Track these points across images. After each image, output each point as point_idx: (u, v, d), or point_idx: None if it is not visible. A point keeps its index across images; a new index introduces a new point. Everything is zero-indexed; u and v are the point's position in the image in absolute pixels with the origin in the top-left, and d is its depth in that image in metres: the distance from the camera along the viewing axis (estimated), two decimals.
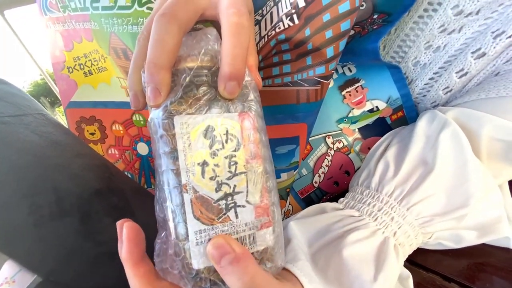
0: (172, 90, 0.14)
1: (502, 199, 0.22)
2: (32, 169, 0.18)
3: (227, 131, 0.14)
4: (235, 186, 0.14)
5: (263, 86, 0.23)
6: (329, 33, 0.19)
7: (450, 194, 0.20)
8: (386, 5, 0.22)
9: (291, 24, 0.19)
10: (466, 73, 0.25)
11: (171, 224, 0.14)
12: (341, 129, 0.29)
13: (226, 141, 0.14)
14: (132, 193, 0.24)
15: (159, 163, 0.14)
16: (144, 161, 0.29)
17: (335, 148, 0.29)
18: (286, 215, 0.30)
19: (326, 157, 0.29)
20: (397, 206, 0.21)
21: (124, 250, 0.14)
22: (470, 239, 0.21)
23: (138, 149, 0.28)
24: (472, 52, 0.24)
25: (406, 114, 0.28)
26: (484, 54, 0.24)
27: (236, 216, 0.14)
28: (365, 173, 0.24)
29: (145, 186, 0.30)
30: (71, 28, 0.24)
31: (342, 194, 0.25)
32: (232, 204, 0.14)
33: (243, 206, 0.14)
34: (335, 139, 0.29)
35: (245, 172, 0.14)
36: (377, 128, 0.28)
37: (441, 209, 0.21)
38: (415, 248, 0.22)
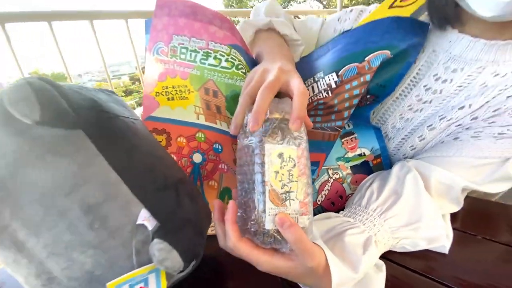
0: (264, 129, 0.25)
1: (444, 223, 0.35)
2: (154, 158, 0.27)
3: (290, 156, 0.25)
4: (291, 187, 0.24)
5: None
6: (347, 104, 0.33)
7: (410, 214, 0.34)
8: (375, 92, 0.37)
9: (326, 95, 0.33)
10: (424, 138, 0.41)
11: (256, 202, 0.24)
12: (339, 165, 0.42)
13: (289, 161, 0.25)
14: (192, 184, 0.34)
15: (252, 168, 0.25)
16: (195, 168, 0.38)
17: (333, 178, 0.42)
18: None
19: (327, 183, 0.41)
20: (378, 218, 0.33)
21: (230, 229, 0.24)
22: (422, 245, 0.34)
23: (194, 158, 0.38)
24: (427, 126, 0.40)
25: (382, 161, 0.42)
26: (434, 128, 0.40)
27: (290, 205, 0.24)
28: (357, 196, 0.37)
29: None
30: (170, 68, 0.35)
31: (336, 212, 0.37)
32: (288, 197, 0.24)
33: (293, 200, 0.24)
34: (334, 171, 0.41)
35: (296, 181, 0.25)
36: (363, 168, 0.42)
37: (404, 223, 0.33)
38: (387, 249, 0.33)
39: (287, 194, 0.24)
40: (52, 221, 0.21)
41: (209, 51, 0.35)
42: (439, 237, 0.34)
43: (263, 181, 0.24)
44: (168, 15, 0.35)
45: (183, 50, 0.35)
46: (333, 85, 0.34)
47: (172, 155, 0.37)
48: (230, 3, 11.19)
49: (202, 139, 0.37)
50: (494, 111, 0.37)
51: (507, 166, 0.35)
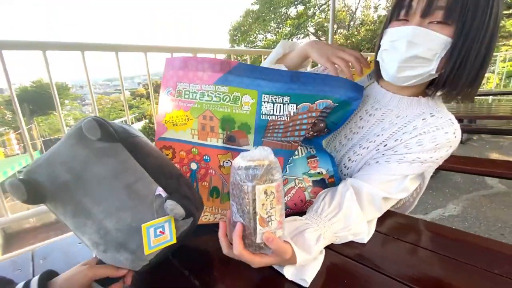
0: (255, 174, 0.35)
1: (366, 225, 0.51)
2: (161, 159, 0.44)
3: (271, 191, 0.35)
4: (272, 213, 0.36)
5: (268, 139, 0.53)
6: (297, 127, 0.50)
7: (346, 220, 0.49)
8: (330, 127, 0.56)
9: (286, 119, 0.51)
10: (354, 161, 0.61)
11: (249, 226, 0.36)
12: (304, 178, 0.58)
13: (270, 195, 0.35)
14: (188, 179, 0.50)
15: (246, 201, 0.35)
16: (193, 173, 0.54)
17: (298, 186, 0.58)
18: None
19: (293, 189, 0.58)
20: (327, 222, 0.48)
21: (237, 243, 0.37)
22: (350, 238, 0.50)
23: (191, 166, 0.54)
24: (359, 146, 0.61)
25: (335, 180, 0.59)
26: (359, 154, 0.60)
27: (271, 224, 0.36)
28: (315, 206, 0.54)
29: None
30: (176, 104, 0.52)
31: (298, 213, 0.54)
32: (270, 220, 0.36)
33: (273, 221, 0.36)
34: (299, 182, 0.58)
35: (275, 207, 0.36)
36: (320, 183, 0.59)
37: (342, 226, 0.49)
38: (329, 243, 0.48)
39: (269, 217, 0.36)
40: (108, 195, 0.37)
41: (203, 91, 0.52)
42: (361, 233, 0.50)
43: (254, 212, 0.36)
44: (172, 69, 0.53)
45: (186, 92, 0.52)
46: (292, 114, 0.51)
47: (176, 164, 0.54)
48: (235, 33, 11.68)
49: (196, 152, 0.54)
50: (395, 141, 0.56)
51: (407, 180, 0.54)
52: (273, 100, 0.51)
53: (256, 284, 0.42)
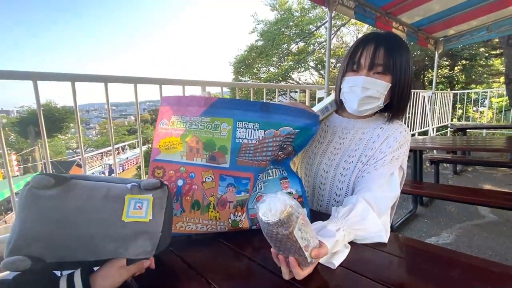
0: (288, 224, 0.42)
1: (383, 226, 0.63)
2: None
3: (301, 223, 0.44)
4: (308, 238, 0.46)
5: (241, 158, 0.63)
6: (264, 149, 0.62)
7: (360, 217, 0.62)
8: (295, 149, 0.68)
9: (256, 142, 0.62)
10: (345, 175, 0.76)
11: (300, 255, 0.46)
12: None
13: (302, 226, 0.44)
14: None
15: (290, 244, 0.44)
16: (178, 188, 0.64)
17: None
18: (241, 222, 0.64)
19: None
20: (343, 219, 0.60)
21: (298, 272, 0.47)
22: (368, 237, 0.62)
23: (178, 183, 0.64)
24: (344, 161, 0.79)
25: (303, 200, 0.69)
26: (347, 168, 0.77)
27: (310, 244, 0.46)
28: (333, 212, 0.65)
29: (174, 199, 0.64)
30: (169, 132, 0.64)
31: None
32: (309, 243, 0.46)
33: (310, 239, 0.47)
34: None
35: (308, 231, 0.46)
36: None
37: (357, 220, 0.61)
38: (352, 237, 0.60)
39: (308, 241, 0.46)
40: (96, 213, 0.45)
41: (192, 121, 0.64)
42: (378, 231, 0.61)
43: (299, 247, 0.44)
44: (168, 105, 0.66)
45: (178, 123, 0.65)
46: (260, 138, 0.63)
47: (166, 181, 0.64)
48: (240, 66, 12.36)
49: (184, 170, 0.64)
50: (371, 150, 0.74)
51: (394, 176, 0.71)
52: (246, 126, 0.63)
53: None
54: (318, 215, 0.74)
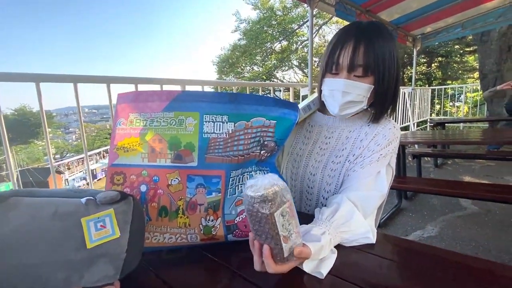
0: (270, 204, 0.39)
1: (370, 226, 0.58)
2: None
3: (286, 211, 0.41)
4: (291, 229, 0.41)
5: (210, 155, 0.56)
6: (235, 143, 0.55)
7: (346, 218, 0.57)
8: (278, 143, 0.61)
9: (225, 136, 0.56)
10: (333, 176, 0.71)
11: (276, 245, 0.41)
12: None
13: (286, 214, 0.41)
14: None
15: (268, 227, 0.40)
16: (142, 195, 0.56)
17: None
18: (215, 229, 0.57)
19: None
20: (328, 221, 0.55)
21: (270, 264, 0.42)
22: (355, 239, 0.56)
23: (141, 188, 0.56)
24: (331, 161, 0.72)
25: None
26: (335, 169, 0.71)
27: (292, 237, 0.42)
28: (317, 214, 0.61)
29: None
30: (127, 132, 0.56)
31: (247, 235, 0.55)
32: (290, 235, 0.42)
33: (293, 233, 0.42)
34: None
35: (291, 222, 0.42)
36: None
37: (342, 222, 0.56)
38: (338, 241, 0.55)
39: (289, 232, 0.41)
40: (40, 235, 0.38)
41: (153, 118, 0.56)
42: (365, 232, 0.57)
43: (277, 234, 0.40)
44: (124, 102, 0.57)
45: (137, 121, 0.57)
46: (230, 131, 0.56)
47: (127, 188, 0.56)
48: (223, 65, 12.24)
49: (146, 174, 0.56)
50: (359, 149, 0.69)
51: (381, 175, 0.66)
52: (213, 119, 0.56)
53: None
54: (305, 217, 0.68)
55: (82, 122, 1.41)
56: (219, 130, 0.56)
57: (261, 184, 0.40)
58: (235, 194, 0.60)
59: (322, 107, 0.78)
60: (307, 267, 0.47)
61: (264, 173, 0.63)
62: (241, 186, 0.61)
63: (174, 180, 0.56)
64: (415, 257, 0.54)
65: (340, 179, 0.70)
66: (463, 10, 3.13)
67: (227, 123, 0.56)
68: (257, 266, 0.45)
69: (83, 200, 0.41)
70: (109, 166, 0.57)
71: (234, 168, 0.59)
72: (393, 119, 0.75)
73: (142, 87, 1.53)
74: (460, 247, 1.77)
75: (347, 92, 0.65)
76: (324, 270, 0.47)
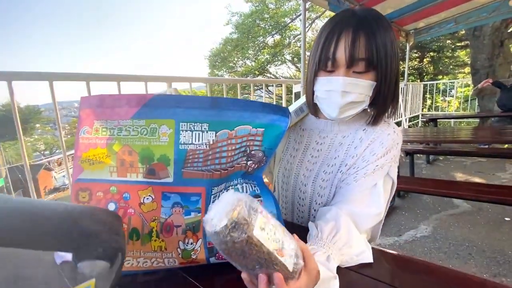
0: (243, 226, 0.31)
1: (365, 242, 0.54)
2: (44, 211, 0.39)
3: (264, 222, 0.33)
4: (278, 237, 0.34)
5: (188, 169, 0.50)
6: (217, 155, 0.48)
7: (346, 237, 0.51)
8: (267, 154, 0.53)
9: (206, 148, 0.49)
10: (325, 187, 0.64)
11: (275, 267, 0.33)
12: None
13: (266, 225, 0.33)
14: None
15: (255, 252, 0.32)
16: None
17: None
18: (195, 252, 0.50)
19: None
20: (329, 242, 0.50)
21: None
22: (355, 259, 0.51)
23: (109, 207, 0.49)
24: (323, 171, 0.65)
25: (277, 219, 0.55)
26: (327, 180, 0.64)
27: (285, 245, 0.34)
28: (313, 232, 0.54)
29: None
30: (93, 143, 0.49)
31: None
32: (282, 244, 0.34)
33: (284, 241, 0.35)
34: None
35: (277, 229, 0.35)
36: None
37: (344, 242, 0.51)
38: (339, 262, 0.49)
39: (280, 242, 0.34)
40: None
41: (121, 126, 0.49)
42: (364, 251, 0.52)
43: (268, 252, 0.32)
44: (89, 108, 0.49)
45: (103, 129, 0.49)
46: (211, 141, 0.49)
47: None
48: (215, 59, 12.02)
49: (115, 191, 0.49)
50: (352, 158, 0.61)
51: (378, 187, 0.59)
52: (192, 128, 0.49)
53: None
54: (298, 229, 0.63)
55: (58, 118, 1.31)
56: (198, 141, 0.49)
57: (220, 212, 0.32)
58: None
59: (313, 110, 0.68)
60: None
61: (252, 186, 0.57)
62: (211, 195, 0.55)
63: (147, 198, 0.49)
64: (418, 278, 0.49)
65: (332, 191, 0.63)
66: (456, 4, 3.09)
67: (207, 132, 0.49)
68: None
69: (59, 260, 0.30)
70: (74, 182, 0.49)
71: (216, 183, 0.52)
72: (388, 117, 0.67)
73: (125, 85, 1.44)
74: (454, 248, 1.76)
75: (348, 92, 0.56)
76: None
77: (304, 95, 0.72)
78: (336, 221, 0.53)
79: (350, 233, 0.52)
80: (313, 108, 0.67)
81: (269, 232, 0.33)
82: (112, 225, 0.38)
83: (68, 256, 0.31)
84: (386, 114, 0.62)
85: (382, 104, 0.59)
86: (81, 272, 0.30)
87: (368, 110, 0.63)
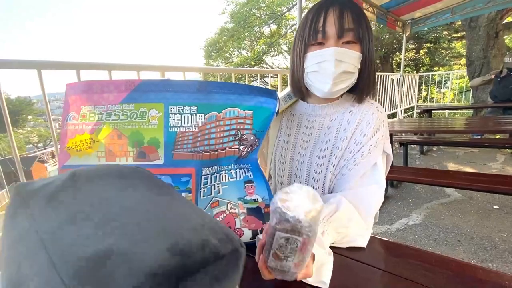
0: (277, 221, 0.34)
1: (364, 224, 0.57)
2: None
3: (295, 241, 0.34)
4: (289, 256, 0.35)
5: (178, 151, 0.50)
6: (206, 137, 0.48)
7: (345, 219, 0.53)
8: (258, 136, 0.53)
9: (194, 130, 0.49)
10: (320, 172, 0.66)
11: (267, 255, 0.37)
12: (238, 204, 0.54)
13: (293, 243, 0.34)
14: None
15: (270, 240, 0.35)
16: None
17: (230, 211, 0.54)
18: None
19: (223, 213, 0.53)
20: (326, 221, 0.51)
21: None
22: (352, 240, 0.53)
23: None
24: (316, 156, 0.68)
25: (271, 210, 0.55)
26: (321, 164, 0.65)
27: (286, 262, 0.36)
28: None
29: None
30: (79, 128, 0.48)
31: None
32: (286, 260, 0.36)
33: (290, 262, 0.36)
34: (232, 207, 0.54)
35: (294, 255, 0.35)
36: (256, 212, 0.55)
37: (341, 223, 0.53)
38: (333, 240, 0.51)
39: (286, 258, 0.36)
40: None
41: (110, 111, 0.48)
42: (363, 235, 0.54)
43: (270, 244, 0.36)
44: (75, 94, 0.49)
45: (91, 115, 0.48)
46: (200, 123, 0.50)
47: None
48: (211, 49, 11.83)
49: None
50: (343, 141, 0.63)
51: (377, 165, 0.61)
52: (181, 111, 0.50)
53: None
54: None
55: (48, 109, 1.29)
56: (187, 123, 0.50)
57: (302, 204, 0.33)
58: (210, 194, 0.54)
59: (300, 94, 0.70)
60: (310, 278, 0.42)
61: (245, 171, 0.57)
62: (218, 186, 0.55)
63: None
64: (410, 265, 0.49)
65: (328, 176, 0.64)
66: None
67: (196, 114, 0.50)
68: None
69: None
70: (60, 168, 0.49)
71: (206, 164, 0.52)
72: (381, 105, 0.69)
73: (116, 74, 1.41)
74: (444, 235, 1.80)
75: (341, 60, 0.57)
76: (327, 279, 0.42)
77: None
78: (338, 204, 0.55)
79: (349, 216, 0.54)
80: (299, 92, 0.68)
81: (287, 246, 0.35)
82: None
83: None
84: (370, 90, 0.65)
85: (367, 78, 0.62)
86: None
87: (352, 93, 0.67)
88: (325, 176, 0.64)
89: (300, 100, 0.73)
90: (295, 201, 0.33)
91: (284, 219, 0.33)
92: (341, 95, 0.67)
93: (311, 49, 0.60)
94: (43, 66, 1.19)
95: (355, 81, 0.62)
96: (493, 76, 3.53)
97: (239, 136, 0.54)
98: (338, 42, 0.58)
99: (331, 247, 0.50)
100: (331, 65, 0.57)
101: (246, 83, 2.33)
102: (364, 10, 3.00)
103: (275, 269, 0.38)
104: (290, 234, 0.33)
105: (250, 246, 0.52)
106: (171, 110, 0.50)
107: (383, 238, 0.58)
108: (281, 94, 0.73)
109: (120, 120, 0.49)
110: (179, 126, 0.50)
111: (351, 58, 0.58)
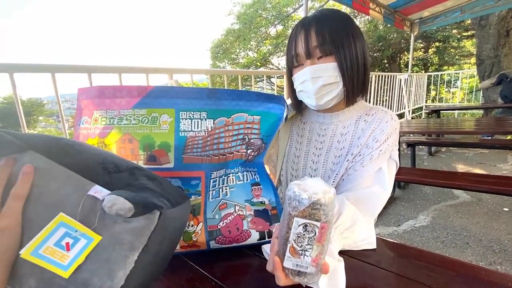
0: (295, 206, 0.35)
1: (369, 227, 0.59)
2: (103, 156, 0.39)
3: (312, 228, 0.35)
4: (307, 248, 0.36)
5: (188, 155, 0.52)
6: (215, 141, 0.50)
7: (350, 222, 0.53)
8: (266, 140, 0.56)
9: (204, 134, 0.51)
10: (333, 178, 0.68)
11: (283, 249, 0.37)
12: (245, 206, 0.56)
13: (311, 232, 0.35)
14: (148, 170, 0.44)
15: (285, 229, 0.36)
16: None
17: (238, 213, 0.55)
18: (196, 235, 0.53)
19: (231, 215, 0.55)
20: (334, 230, 0.51)
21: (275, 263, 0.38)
22: (359, 243, 0.55)
23: None
24: (330, 170, 0.70)
25: (278, 212, 0.56)
26: (335, 170, 0.69)
27: (304, 258, 0.36)
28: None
29: None
30: (91, 132, 0.50)
31: (231, 241, 0.52)
32: (304, 254, 0.36)
33: (307, 256, 0.36)
34: (240, 208, 0.55)
35: (313, 245, 0.35)
36: (263, 214, 0.56)
37: (347, 227, 0.53)
38: (341, 247, 0.51)
39: (303, 251, 0.35)
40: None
41: (121, 115, 0.51)
42: (369, 237, 0.55)
43: (287, 238, 0.36)
44: (87, 99, 0.51)
45: (103, 119, 0.51)
46: (209, 128, 0.52)
47: None
48: (217, 50, 11.90)
49: None
50: (357, 147, 0.65)
51: (383, 170, 0.62)
52: (191, 116, 0.52)
53: None
54: None
55: (61, 111, 1.33)
56: (197, 128, 0.52)
57: (309, 187, 0.35)
58: (218, 196, 0.55)
59: (298, 109, 0.75)
60: (323, 285, 0.41)
61: (252, 174, 0.59)
62: (225, 188, 0.56)
63: None
64: (421, 267, 0.49)
65: (339, 180, 0.66)
66: None
67: (205, 120, 0.52)
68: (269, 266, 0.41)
69: (90, 191, 0.32)
70: None
71: (215, 168, 0.54)
72: (388, 106, 0.72)
73: (126, 76, 1.45)
74: (452, 237, 1.78)
75: (316, 77, 0.62)
76: (342, 285, 0.42)
77: None
78: (341, 206, 0.55)
79: (353, 218, 0.54)
80: (296, 107, 0.74)
81: (304, 235, 0.35)
82: (172, 192, 0.40)
83: (99, 193, 0.32)
84: (359, 91, 0.66)
85: (350, 82, 0.63)
86: (104, 207, 0.31)
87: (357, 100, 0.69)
88: (339, 182, 0.66)
89: (310, 108, 0.74)
90: (311, 185, 0.35)
91: (302, 202, 0.34)
92: (348, 106, 0.69)
93: (295, 71, 0.66)
94: (57, 70, 1.24)
95: (343, 87, 0.63)
96: (493, 81, 3.50)
97: (247, 140, 0.55)
98: (313, 60, 0.62)
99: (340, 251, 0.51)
100: (309, 83, 0.63)
101: (253, 85, 2.35)
102: (370, 11, 2.98)
103: (292, 271, 0.37)
104: (308, 219, 0.34)
105: (257, 247, 0.54)
106: (181, 116, 0.52)
107: (391, 240, 0.59)
108: (289, 100, 0.75)
109: (132, 124, 0.51)
110: (189, 131, 0.52)
111: (326, 71, 0.61)
